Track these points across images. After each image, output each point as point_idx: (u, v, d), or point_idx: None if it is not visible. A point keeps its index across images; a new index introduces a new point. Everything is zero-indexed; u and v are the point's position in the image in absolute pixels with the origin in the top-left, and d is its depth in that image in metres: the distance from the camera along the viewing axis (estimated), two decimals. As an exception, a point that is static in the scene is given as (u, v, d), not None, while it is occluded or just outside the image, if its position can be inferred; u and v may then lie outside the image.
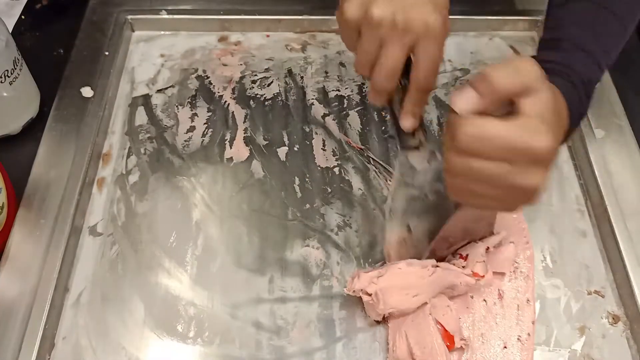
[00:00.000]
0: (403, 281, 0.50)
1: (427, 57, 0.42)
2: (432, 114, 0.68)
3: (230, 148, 0.64)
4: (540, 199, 0.38)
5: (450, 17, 0.73)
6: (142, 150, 0.64)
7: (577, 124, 0.47)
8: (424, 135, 0.47)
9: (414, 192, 0.50)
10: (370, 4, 0.40)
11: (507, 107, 0.37)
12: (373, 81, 0.44)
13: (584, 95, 0.47)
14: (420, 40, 0.41)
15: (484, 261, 0.52)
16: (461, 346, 0.49)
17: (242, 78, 0.70)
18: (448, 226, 0.49)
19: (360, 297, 0.51)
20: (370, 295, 0.50)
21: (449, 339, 0.49)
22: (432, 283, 0.50)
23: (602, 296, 0.55)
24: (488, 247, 0.53)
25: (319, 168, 0.63)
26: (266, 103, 0.68)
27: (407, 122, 0.45)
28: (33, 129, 0.63)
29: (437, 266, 0.51)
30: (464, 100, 0.36)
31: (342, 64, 0.72)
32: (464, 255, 0.53)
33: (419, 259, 0.52)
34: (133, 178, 0.62)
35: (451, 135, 0.37)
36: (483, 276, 0.51)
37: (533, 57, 0.47)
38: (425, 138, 0.47)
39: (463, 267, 0.52)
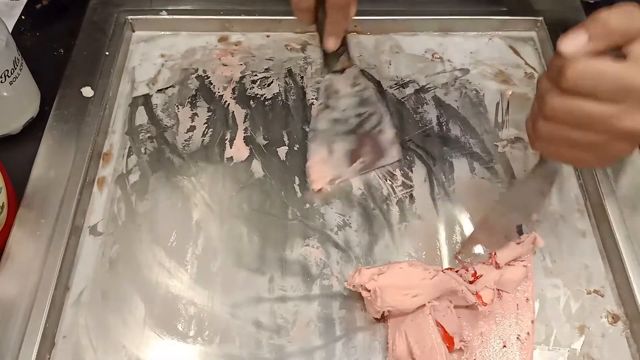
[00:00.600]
0: (404, 281, 0.50)
1: None
2: (431, 114, 0.68)
3: (231, 148, 0.64)
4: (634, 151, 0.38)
5: (450, 17, 0.75)
6: (143, 150, 0.64)
7: None
8: (349, 59, 0.49)
9: (337, 114, 0.51)
10: None
11: (614, 54, 0.36)
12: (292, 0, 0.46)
13: None
14: None
15: (494, 289, 0.52)
16: (460, 347, 0.49)
17: (242, 78, 0.71)
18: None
19: (360, 295, 0.51)
20: (369, 291, 0.50)
21: (448, 340, 0.49)
22: (434, 286, 0.50)
23: (602, 295, 0.55)
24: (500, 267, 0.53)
25: (319, 168, 0.63)
26: (266, 103, 0.68)
27: (328, 43, 0.48)
28: (33, 129, 0.63)
29: (442, 271, 0.51)
30: (575, 42, 0.36)
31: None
32: (478, 274, 0.52)
33: (338, 178, 0.53)
34: (133, 178, 0.62)
35: (556, 75, 0.36)
36: (486, 304, 0.51)
37: None
38: (349, 62, 0.49)
39: (470, 282, 0.52)
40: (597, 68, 0.35)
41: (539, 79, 0.40)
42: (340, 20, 0.46)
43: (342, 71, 0.49)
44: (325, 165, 0.54)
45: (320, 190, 0.60)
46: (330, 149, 0.53)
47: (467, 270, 0.53)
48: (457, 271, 0.53)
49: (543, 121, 0.40)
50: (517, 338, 0.51)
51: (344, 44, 0.48)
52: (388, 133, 0.54)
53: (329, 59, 0.49)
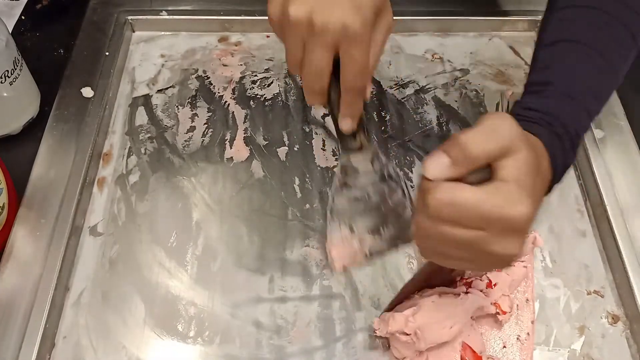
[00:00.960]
0: (439, 313, 0.47)
1: (349, 59, 0.40)
2: (431, 114, 0.68)
3: (230, 148, 0.64)
4: (514, 264, 0.36)
5: (450, 17, 0.75)
6: (143, 150, 0.64)
7: (561, 177, 0.44)
8: (366, 136, 0.46)
9: (357, 193, 0.48)
10: (287, 3, 0.39)
11: (481, 174, 0.34)
12: (303, 81, 0.42)
13: (569, 147, 0.43)
14: (342, 42, 0.39)
15: (509, 296, 0.51)
16: None
17: (242, 78, 0.71)
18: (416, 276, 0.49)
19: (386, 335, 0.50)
20: (409, 334, 0.47)
21: (477, 358, 0.48)
22: (465, 310, 0.48)
23: (602, 296, 0.55)
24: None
25: (319, 168, 0.63)
26: (266, 103, 0.68)
27: (344, 125, 0.44)
28: (33, 129, 0.63)
29: (468, 292, 0.50)
30: (436, 167, 0.34)
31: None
32: (493, 283, 0.51)
33: (361, 257, 0.49)
34: (133, 178, 0.62)
35: (422, 200, 0.35)
36: (505, 313, 0.50)
37: (517, 102, 0.46)
38: (367, 139, 0.46)
39: (482, 290, 0.51)
40: (456, 197, 0.33)
41: (417, 193, 0.38)
42: (356, 101, 0.43)
43: (360, 149, 0.46)
44: (346, 245, 0.51)
45: (343, 269, 0.55)
46: (351, 228, 0.50)
47: (481, 280, 0.52)
48: (471, 281, 0.51)
49: (416, 236, 0.39)
50: (517, 338, 0.51)
51: (360, 122, 0.45)
52: (408, 211, 0.50)
53: (345, 138, 0.46)
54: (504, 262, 0.37)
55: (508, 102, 0.68)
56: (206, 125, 0.66)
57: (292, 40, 0.40)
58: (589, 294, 0.55)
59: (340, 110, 0.44)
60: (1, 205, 0.53)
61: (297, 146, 0.64)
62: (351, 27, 0.38)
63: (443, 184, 0.34)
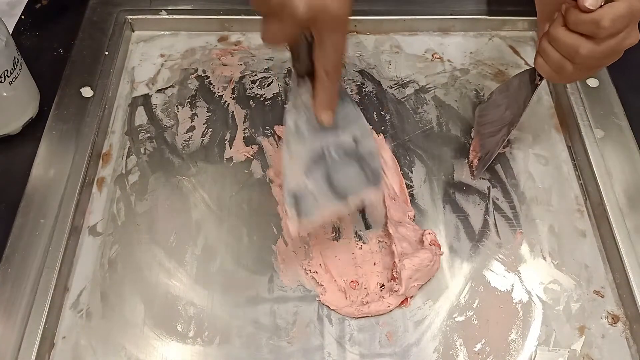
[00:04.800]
0: None
1: (332, 44, 0.42)
2: (431, 114, 0.68)
3: (230, 148, 0.64)
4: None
5: (450, 17, 0.75)
6: (142, 150, 0.64)
7: None
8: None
9: (315, 144, 0.47)
10: None
11: None
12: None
13: None
14: (323, 26, 0.41)
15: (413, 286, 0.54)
16: None
17: (242, 78, 0.71)
18: None
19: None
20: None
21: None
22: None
23: (602, 296, 0.55)
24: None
25: (319, 168, 0.63)
26: (266, 103, 0.68)
27: (327, 119, 0.45)
28: (33, 129, 0.63)
29: None
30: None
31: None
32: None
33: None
34: (133, 178, 0.62)
35: (592, 28, 0.45)
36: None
37: None
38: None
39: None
40: (620, 11, 0.44)
41: (556, 35, 0.48)
42: (335, 89, 0.44)
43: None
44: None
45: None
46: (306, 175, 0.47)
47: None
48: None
49: (570, 63, 0.49)
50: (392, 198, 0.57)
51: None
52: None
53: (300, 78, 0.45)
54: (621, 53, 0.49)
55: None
56: (206, 125, 0.66)
57: (272, 19, 0.42)
58: (589, 294, 0.55)
59: (318, 101, 0.43)
60: None
61: (297, 146, 0.64)
62: (335, 12, 0.40)
63: (610, 7, 0.44)
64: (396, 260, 0.53)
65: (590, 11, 0.44)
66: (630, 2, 0.44)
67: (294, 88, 0.45)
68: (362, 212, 0.59)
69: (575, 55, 0.47)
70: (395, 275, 0.53)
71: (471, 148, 0.64)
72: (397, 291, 0.52)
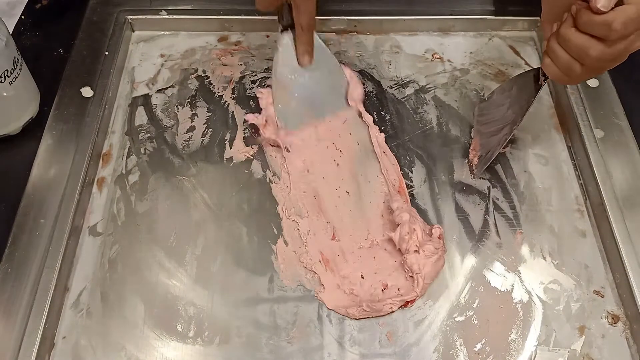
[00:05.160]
0: None
1: (303, 11, 0.56)
2: (431, 114, 0.68)
3: (230, 148, 0.64)
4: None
5: (450, 17, 0.74)
6: (142, 150, 0.64)
7: None
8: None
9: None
10: None
11: None
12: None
13: None
14: None
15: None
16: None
17: (242, 78, 0.71)
18: None
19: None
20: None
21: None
22: None
23: (602, 296, 0.55)
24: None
25: (319, 168, 0.63)
26: (266, 103, 0.68)
27: (305, 61, 0.60)
28: (33, 129, 0.63)
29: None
30: (609, 1, 0.44)
31: (342, 64, 0.72)
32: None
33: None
34: (133, 178, 0.62)
35: (603, 30, 0.45)
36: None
37: None
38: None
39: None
40: (631, 14, 0.44)
41: (567, 35, 0.48)
42: (310, 39, 0.59)
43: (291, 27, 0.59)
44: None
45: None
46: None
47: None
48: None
49: (579, 64, 0.49)
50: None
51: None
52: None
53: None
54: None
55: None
56: (206, 125, 0.66)
57: None
58: (589, 294, 0.55)
59: (298, 49, 0.60)
60: None
61: (297, 146, 0.64)
62: None
63: (622, 10, 0.44)
64: (406, 256, 0.54)
65: (602, 13, 0.45)
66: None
67: (280, 37, 0.60)
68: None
69: (585, 56, 0.48)
70: (410, 275, 0.53)
71: (471, 147, 0.64)
72: (412, 298, 0.53)
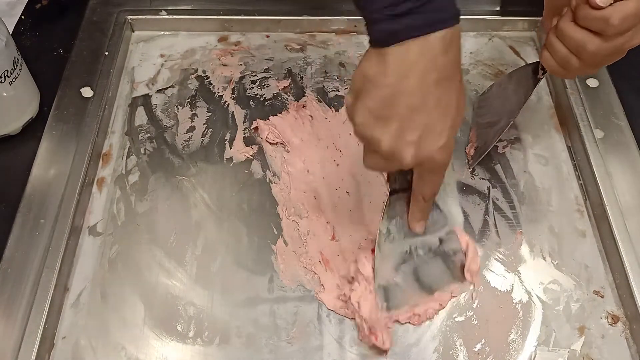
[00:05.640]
0: None
1: (430, 181, 0.45)
2: (431, 114, 0.68)
3: (230, 148, 0.64)
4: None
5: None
6: (142, 150, 0.64)
7: None
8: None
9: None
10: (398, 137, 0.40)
11: None
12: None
13: None
14: (425, 168, 0.43)
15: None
16: None
17: (242, 78, 0.71)
18: None
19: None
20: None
21: None
22: None
23: (602, 296, 0.55)
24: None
25: (319, 168, 0.63)
26: (266, 103, 0.68)
27: (418, 228, 0.50)
28: (33, 129, 0.63)
29: None
30: None
31: (341, 64, 0.72)
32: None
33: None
34: (133, 178, 0.62)
35: (601, 25, 0.46)
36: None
37: None
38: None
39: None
40: (629, 10, 0.44)
41: (565, 29, 0.49)
42: (427, 209, 0.49)
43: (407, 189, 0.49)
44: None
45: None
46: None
47: None
48: None
49: (576, 58, 0.50)
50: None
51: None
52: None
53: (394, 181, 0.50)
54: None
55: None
56: (206, 125, 0.66)
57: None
58: (588, 294, 0.55)
59: (413, 216, 0.49)
60: None
61: (297, 146, 0.64)
62: (439, 162, 0.42)
63: (620, 5, 0.45)
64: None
65: (601, 8, 0.45)
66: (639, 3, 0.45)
67: (388, 200, 0.49)
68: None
69: (583, 50, 0.48)
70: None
71: (469, 138, 0.65)
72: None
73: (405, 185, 0.49)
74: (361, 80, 0.39)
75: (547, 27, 0.54)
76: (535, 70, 0.58)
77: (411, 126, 0.39)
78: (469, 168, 0.63)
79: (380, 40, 0.38)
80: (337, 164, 0.62)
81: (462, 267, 0.52)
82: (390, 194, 0.50)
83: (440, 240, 0.52)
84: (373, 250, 0.51)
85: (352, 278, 0.52)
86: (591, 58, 0.49)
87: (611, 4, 0.45)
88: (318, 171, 0.61)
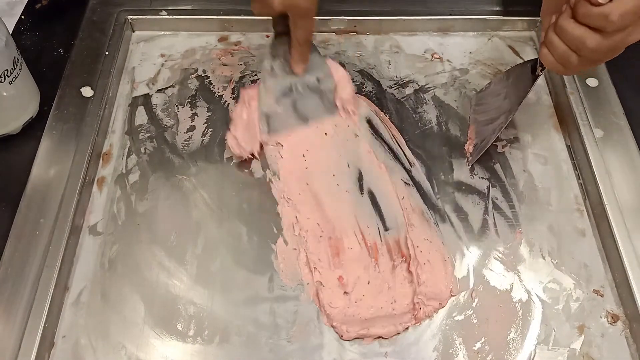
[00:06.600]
0: None
1: (301, 28, 0.56)
2: (431, 114, 0.68)
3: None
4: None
5: (450, 17, 0.75)
6: (142, 150, 0.64)
7: None
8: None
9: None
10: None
11: None
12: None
13: None
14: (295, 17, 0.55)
15: None
16: None
17: (242, 78, 0.71)
18: None
19: None
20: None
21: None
22: None
23: (601, 295, 0.55)
24: None
25: (319, 167, 0.63)
26: (266, 103, 0.68)
27: (298, 69, 0.60)
28: (33, 129, 0.63)
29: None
30: None
31: (341, 64, 0.72)
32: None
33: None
34: (133, 177, 0.62)
35: (601, 22, 0.46)
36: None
37: None
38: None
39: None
40: (629, 6, 0.44)
41: (564, 26, 0.49)
42: (306, 52, 0.59)
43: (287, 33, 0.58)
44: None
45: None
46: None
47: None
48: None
49: (575, 55, 0.50)
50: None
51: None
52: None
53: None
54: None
55: None
56: (206, 124, 0.66)
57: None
58: (588, 293, 0.55)
59: (294, 58, 0.60)
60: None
61: (297, 146, 0.64)
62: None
63: (620, 2, 0.45)
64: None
65: (600, 5, 0.45)
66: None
67: (272, 42, 0.60)
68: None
69: (582, 47, 0.48)
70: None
71: (467, 135, 0.65)
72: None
73: (286, 30, 0.58)
74: None
75: (546, 25, 0.54)
76: (534, 68, 0.58)
77: None
78: (469, 165, 0.63)
79: None
80: (334, 159, 0.62)
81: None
82: (275, 37, 0.59)
83: (318, 80, 0.62)
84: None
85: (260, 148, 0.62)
86: (591, 54, 0.49)
87: (610, 1, 0.45)
88: (312, 172, 0.61)
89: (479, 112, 0.65)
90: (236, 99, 0.68)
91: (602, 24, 0.46)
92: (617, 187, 0.59)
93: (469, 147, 0.64)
